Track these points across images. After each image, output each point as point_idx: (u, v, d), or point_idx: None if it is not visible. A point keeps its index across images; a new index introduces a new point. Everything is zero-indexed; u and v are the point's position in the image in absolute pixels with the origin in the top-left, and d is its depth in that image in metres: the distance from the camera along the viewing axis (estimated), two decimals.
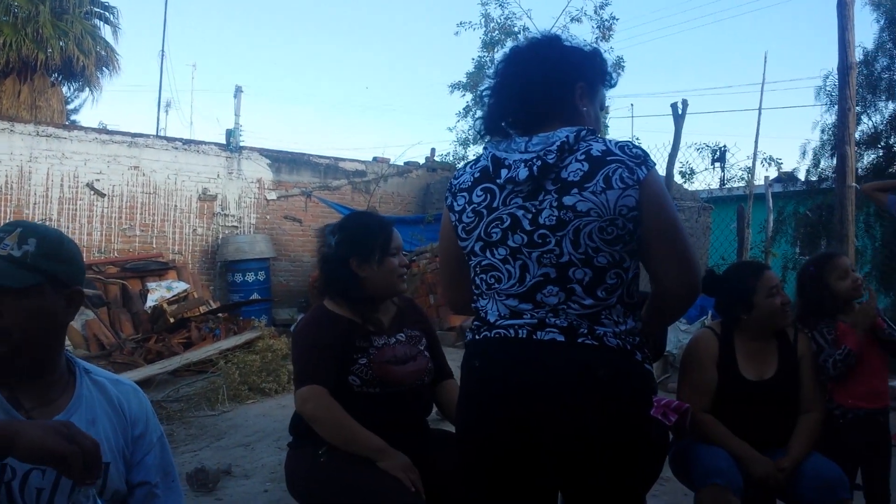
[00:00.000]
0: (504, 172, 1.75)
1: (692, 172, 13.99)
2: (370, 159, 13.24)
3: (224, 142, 11.67)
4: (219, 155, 11.45)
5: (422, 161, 14.08)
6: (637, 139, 21.02)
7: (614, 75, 1.98)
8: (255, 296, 10.70)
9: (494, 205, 1.78)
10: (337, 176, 12.56)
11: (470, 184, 1.85)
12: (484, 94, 1.92)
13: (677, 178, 13.13)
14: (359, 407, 2.36)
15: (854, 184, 6.07)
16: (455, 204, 1.87)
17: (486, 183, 1.81)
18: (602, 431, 1.68)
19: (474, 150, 17.08)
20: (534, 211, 1.72)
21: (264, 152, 11.97)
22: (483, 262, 1.81)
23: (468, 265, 1.88)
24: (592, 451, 1.69)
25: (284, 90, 64.68)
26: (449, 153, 16.72)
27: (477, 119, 1.97)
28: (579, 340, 1.69)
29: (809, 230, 10.73)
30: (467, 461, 1.90)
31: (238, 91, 13.55)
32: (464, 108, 16.90)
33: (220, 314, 8.73)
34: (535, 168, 1.71)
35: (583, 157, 1.70)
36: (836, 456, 2.79)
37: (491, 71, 1.94)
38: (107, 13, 16.29)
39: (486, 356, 1.79)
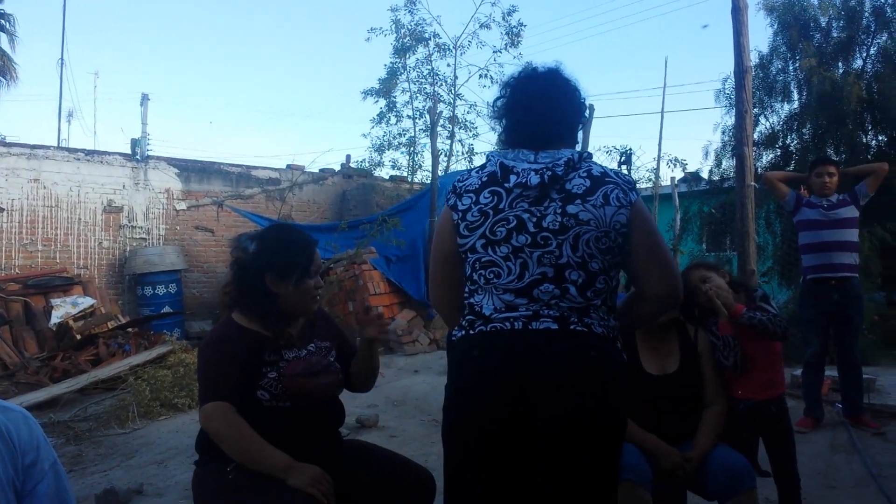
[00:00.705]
0: (513, 178, 1.96)
1: None
2: (284, 167, 13.06)
3: (129, 151, 11.31)
4: (124, 165, 11.09)
5: (337, 168, 13.99)
6: None
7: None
8: (166, 309, 10.41)
9: (501, 206, 1.96)
10: (250, 184, 12.34)
11: (478, 186, 2.01)
12: (497, 107, 2.12)
13: None
14: (269, 422, 2.31)
15: (753, 183, 6.32)
16: (460, 203, 2.02)
17: (493, 186, 1.99)
18: (591, 411, 1.88)
19: (390, 156, 17.07)
20: (538, 215, 1.93)
21: (172, 161, 11.65)
22: (483, 259, 1.97)
23: (462, 266, 2.05)
24: (583, 431, 1.88)
25: (193, 97, 63.08)
26: (364, 159, 16.69)
27: (498, 131, 2.17)
28: (571, 328, 1.90)
29: (714, 228, 11.15)
30: (459, 454, 1.99)
31: (144, 99, 13.19)
32: (378, 115, 16.92)
33: (129, 329, 8.44)
34: (545, 176, 1.94)
35: (585, 174, 1.97)
36: (736, 446, 2.91)
37: (501, 88, 2.15)
38: (2, 20, 15.55)
39: (485, 347, 1.94)
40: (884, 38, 9.99)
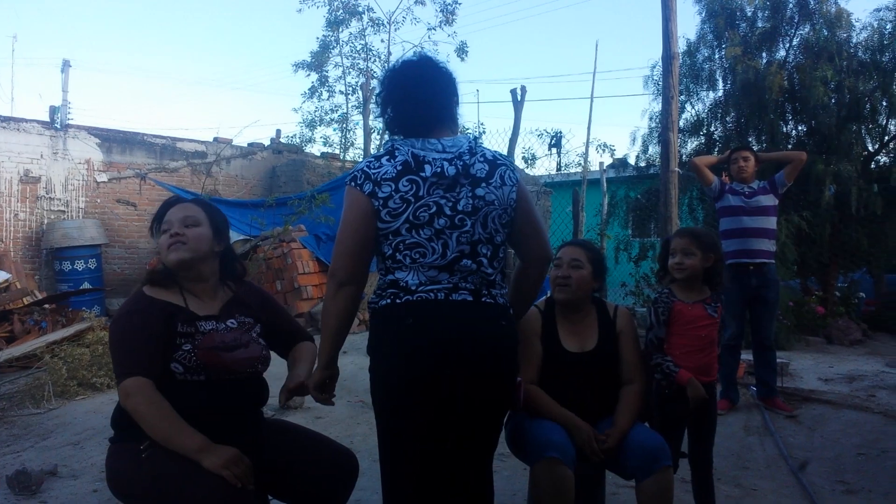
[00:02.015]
0: (428, 168, 2.19)
1: (533, 158, 14.51)
2: (210, 139, 12.73)
3: (48, 119, 10.85)
4: (42, 134, 10.64)
5: (267, 142, 13.70)
6: (482, 125, 21.50)
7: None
8: (85, 285, 10.08)
9: (420, 194, 2.17)
10: (175, 157, 12.00)
11: (394, 175, 2.18)
12: (379, 99, 2.33)
13: (519, 164, 13.59)
14: (183, 396, 2.27)
15: (677, 169, 6.49)
16: (379, 191, 2.18)
17: (410, 175, 2.18)
18: (502, 374, 2.27)
19: (322, 132, 16.85)
20: (453, 200, 2.19)
21: (93, 131, 11.23)
22: (408, 241, 2.18)
23: (372, 246, 2.24)
24: (497, 392, 2.27)
25: (117, 65, 60.85)
26: (295, 135, 16.42)
27: (381, 118, 2.38)
28: (483, 299, 2.22)
29: (639, 213, 11.37)
30: (397, 403, 2.20)
31: (65, 65, 12.65)
32: (309, 89, 16.65)
33: (46, 305, 8.14)
34: (458, 166, 2.21)
35: (482, 159, 2.27)
36: (665, 425, 2.99)
37: (381, 82, 2.37)
38: None
39: (416, 314, 2.16)
40: (806, 29, 10.24)
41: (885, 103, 9.81)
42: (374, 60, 16.24)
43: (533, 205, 2.38)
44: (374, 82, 14.65)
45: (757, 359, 5.52)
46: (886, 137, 10.35)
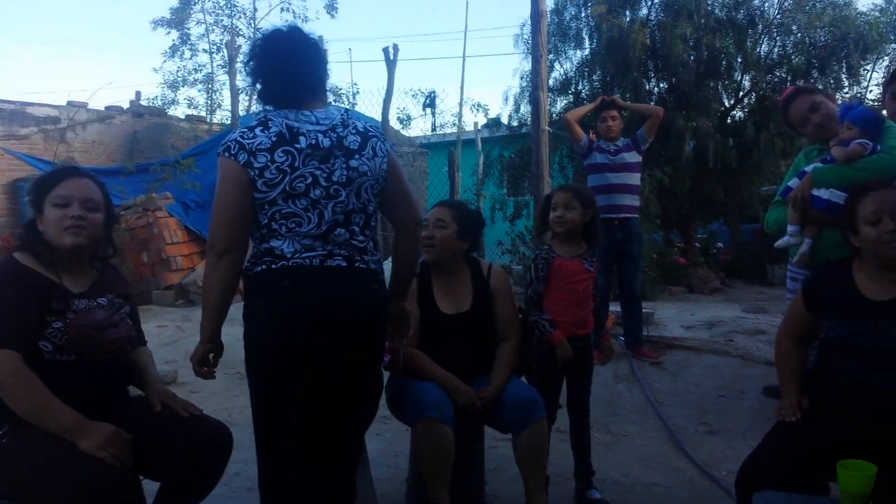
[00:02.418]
0: (303, 140, 2.21)
1: (409, 118, 14.46)
2: (64, 104, 11.87)
3: None
4: None
5: (126, 105, 12.92)
6: (355, 85, 21.19)
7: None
8: None
9: (296, 164, 2.19)
10: (25, 123, 11.12)
11: (269, 146, 2.19)
12: (248, 68, 2.35)
13: (394, 124, 13.48)
14: (51, 376, 2.14)
15: (547, 128, 6.56)
16: (255, 161, 2.18)
17: (285, 146, 2.20)
18: (375, 335, 2.35)
19: (185, 94, 16.09)
20: (328, 171, 2.23)
21: None
22: (284, 211, 2.20)
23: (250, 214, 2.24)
24: (366, 352, 2.33)
25: None
26: (156, 97, 15.60)
27: (252, 88, 2.52)
28: (356, 265, 2.28)
29: (514, 172, 11.51)
30: (272, 369, 2.23)
31: None
32: (170, 48, 15.85)
33: None
34: (333, 138, 2.26)
35: (354, 131, 2.31)
36: (543, 380, 3.05)
37: (249, 51, 2.37)
38: None
39: (292, 278, 2.19)
40: None
41: (739, 60, 10.31)
42: (240, 17, 15.63)
43: (402, 173, 2.47)
44: (241, 40, 14.09)
45: (624, 310, 5.74)
46: (741, 93, 10.90)
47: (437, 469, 2.67)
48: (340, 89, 14.89)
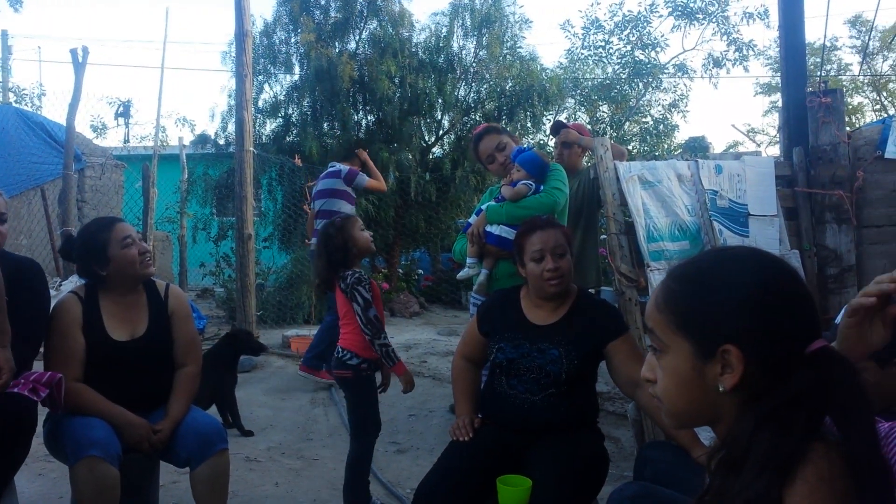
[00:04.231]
0: None
1: (104, 127, 13.37)
2: None
3: None
4: None
5: None
6: (41, 85, 19.17)
7: None
8: None
9: None
10: None
11: None
12: None
13: (86, 132, 12.39)
14: None
15: (252, 148, 6.45)
16: None
17: None
18: None
19: None
20: None
21: None
22: None
23: None
24: None
25: None
26: None
27: None
28: None
29: (220, 192, 11.14)
30: None
31: None
32: None
33: None
34: None
35: None
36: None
37: None
38: None
39: None
40: (374, 24, 10.93)
41: (440, 101, 10.97)
42: None
43: None
44: None
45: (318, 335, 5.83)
46: (441, 132, 11.61)
47: None
48: (24, 89, 13.38)
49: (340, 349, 3.16)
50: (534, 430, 2.48)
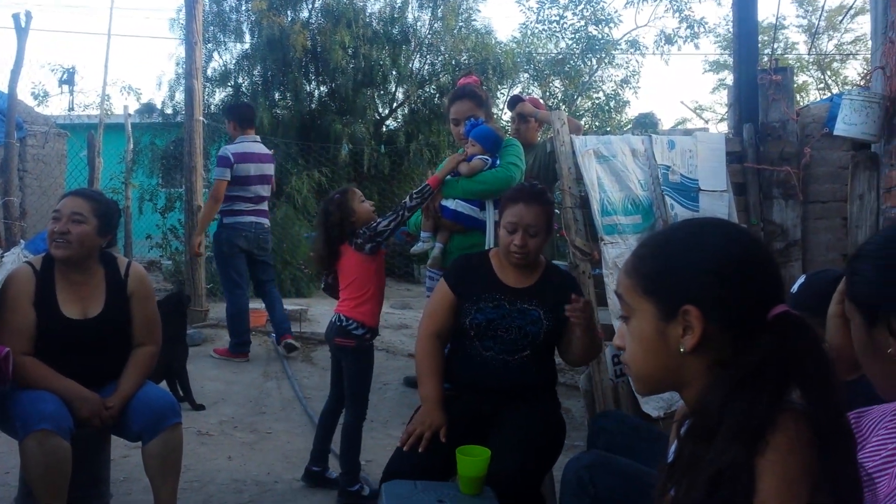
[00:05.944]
0: None
1: (45, 95, 12.94)
2: None
3: None
4: None
5: None
6: None
7: None
8: None
9: None
10: None
11: None
12: None
13: (28, 100, 11.98)
14: None
15: (202, 117, 6.31)
16: None
17: None
18: None
19: None
20: None
21: None
22: None
23: None
24: None
25: None
26: None
27: None
28: None
29: (167, 162, 10.90)
30: None
31: None
32: None
33: None
34: None
35: None
36: None
37: None
38: None
39: None
40: None
41: (395, 72, 10.87)
42: None
43: None
44: None
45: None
46: (395, 104, 11.52)
47: (51, 485, 2.39)
48: None
49: (344, 318, 3.16)
50: (505, 390, 2.50)
